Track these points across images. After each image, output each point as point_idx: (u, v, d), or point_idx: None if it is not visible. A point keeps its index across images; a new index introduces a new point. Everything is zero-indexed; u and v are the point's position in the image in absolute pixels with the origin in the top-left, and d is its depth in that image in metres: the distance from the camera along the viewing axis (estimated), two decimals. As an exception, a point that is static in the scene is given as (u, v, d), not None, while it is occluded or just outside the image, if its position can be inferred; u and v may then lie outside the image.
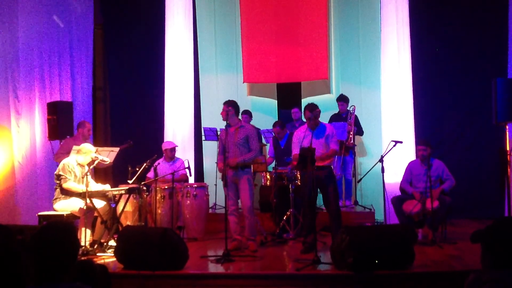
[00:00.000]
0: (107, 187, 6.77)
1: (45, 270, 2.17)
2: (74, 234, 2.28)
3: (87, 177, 6.25)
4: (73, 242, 2.26)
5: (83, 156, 6.54)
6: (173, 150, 7.89)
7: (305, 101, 9.18)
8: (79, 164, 6.55)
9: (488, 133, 8.21)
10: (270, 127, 8.55)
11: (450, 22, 8.63)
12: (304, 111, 6.46)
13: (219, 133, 8.57)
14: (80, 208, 6.27)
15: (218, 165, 6.28)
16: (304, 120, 8.56)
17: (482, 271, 2.19)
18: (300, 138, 6.23)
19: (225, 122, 6.34)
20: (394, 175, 7.70)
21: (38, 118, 8.70)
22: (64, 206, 6.43)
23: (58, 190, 6.49)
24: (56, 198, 6.50)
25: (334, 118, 8.42)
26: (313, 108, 6.29)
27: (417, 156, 7.04)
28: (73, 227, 2.39)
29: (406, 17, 8.54)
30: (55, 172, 6.56)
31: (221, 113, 6.31)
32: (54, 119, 7.96)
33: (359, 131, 8.46)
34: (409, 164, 7.14)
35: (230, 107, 6.32)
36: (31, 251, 2.18)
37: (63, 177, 6.39)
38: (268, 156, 8.22)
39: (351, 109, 8.30)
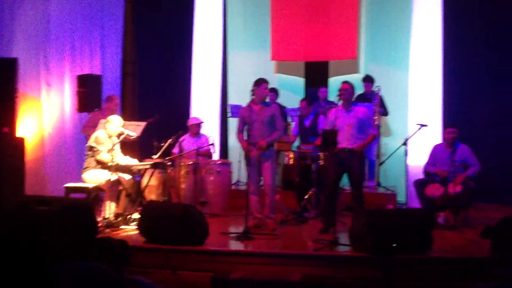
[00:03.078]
0: (134, 161, 6.87)
1: (64, 250, 2.26)
2: (91, 216, 2.35)
3: (114, 150, 6.37)
4: (90, 224, 2.35)
5: (111, 126, 6.62)
6: (198, 126, 7.97)
7: (332, 80, 9.15)
8: (109, 136, 6.66)
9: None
10: (297, 105, 8.53)
11: (485, 1, 8.39)
12: None
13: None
14: (107, 181, 6.41)
15: (242, 144, 6.29)
16: (330, 100, 8.55)
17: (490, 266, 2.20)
18: (331, 119, 6.24)
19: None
20: (418, 158, 7.63)
21: (68, 90, 8.87)
22: (93, 177, 6.54)
23: (88, 160, 6.58)
24: (86, 167, 6.60)
25: (359, 99, 8.35)
26: (343, 83, 6.28)
27: (445, 139, 6.90)
28: (91, 210, 2.47)
29: (438, -3, 8.36)
30: (87, 144, 6.63)
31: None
32: (83, 91, 8.07)
33: (384, 112, 8.39)
34: (433, 147, 7.04)
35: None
36: (53, 230, 2.27)
37: (96, 149, 6.49)
38: (291, 135, 8.22)
39: (376, 89, 8.22)
